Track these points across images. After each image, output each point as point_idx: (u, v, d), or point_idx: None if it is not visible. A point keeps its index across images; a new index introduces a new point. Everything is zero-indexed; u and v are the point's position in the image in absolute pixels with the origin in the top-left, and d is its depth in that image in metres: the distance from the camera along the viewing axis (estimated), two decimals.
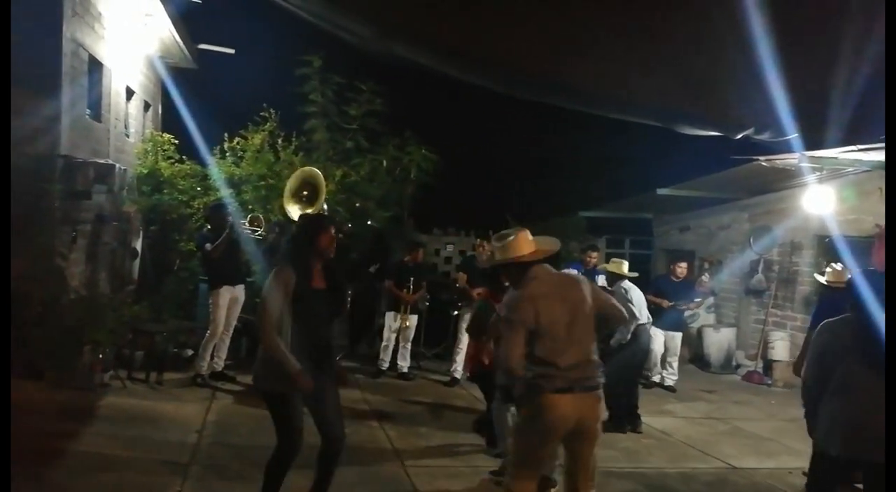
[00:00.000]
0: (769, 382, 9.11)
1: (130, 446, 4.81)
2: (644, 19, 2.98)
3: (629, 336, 6.32)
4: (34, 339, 5.87)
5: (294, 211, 6.79)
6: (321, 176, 6.93)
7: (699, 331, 10.24)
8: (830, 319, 3.70)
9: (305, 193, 6.74)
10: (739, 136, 4.08)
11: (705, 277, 10.38)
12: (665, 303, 8.37)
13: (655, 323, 8.50)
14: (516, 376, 3.42)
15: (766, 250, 9.75)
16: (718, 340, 9.95)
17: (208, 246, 6.66)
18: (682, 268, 8.66)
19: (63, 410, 5.38)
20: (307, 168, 7.20)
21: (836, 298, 4.86)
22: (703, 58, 3.30)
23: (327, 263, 3.76)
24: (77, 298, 6.59)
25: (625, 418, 6.30)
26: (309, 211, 7.14)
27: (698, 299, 8.81)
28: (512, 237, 3.58)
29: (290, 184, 6.78)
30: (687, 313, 10.34)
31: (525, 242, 3.58)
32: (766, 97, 3.38)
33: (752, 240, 9.89)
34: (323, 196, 6.75)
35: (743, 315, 10.33)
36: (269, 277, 3.63)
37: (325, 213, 6.85)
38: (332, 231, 3.76)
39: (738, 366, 9.88)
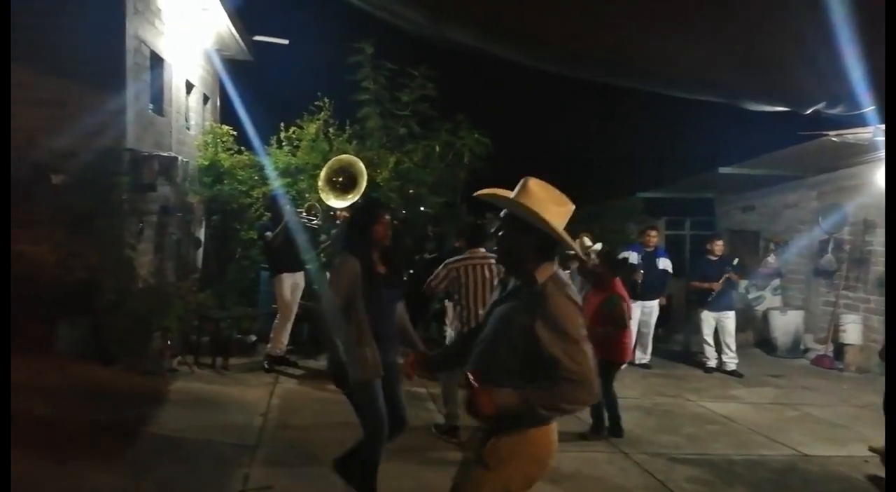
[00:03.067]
0: (840, 366, 8.77)
1: (200, 428, 4.99)
2: None
3: None
4: (106, 326, 6.14)
5: (331, 199, 6.87)
6: (356, 162, 6.93)
7: (765, 314, 9.92)
8: None
9: (340, 179, 6.80)
10: (809, 110, 3.89)
11: (771, 258, 10.07)
12: (715, 286, 8.17)
13: (704, 306, 8.32)
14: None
15: (836, 229, 9.34)
16: (785, 324, 9.63)
17: (268, 235, 6.82)
18: (718, 245, 8.44)
19: (136, 393, 5.61)
20: (340, 156, 7.26)
21: None
22: (770, 29, 3.16)
23: (384, 248, 3.80)
24: (146, 287, 6.85)
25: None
26: (349, 198, 7.22)
27: (728, 271, 8.43)
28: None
29: (323, 173, 6.86)
30: (751, 296, 10.06)
31: None
32: (839, 69, 3.21)
33: (821, 219, 9.49)
34: (363, 182, 6.76)
35: (812, 297, 9.95)
36: (334, 265, 3.67)
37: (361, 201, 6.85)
38: (387, 218, 3.80)
39: (807, 350, 9.54)
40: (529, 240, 2.39)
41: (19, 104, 6.41)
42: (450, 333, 7.68)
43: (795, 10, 2.96)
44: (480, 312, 4.85)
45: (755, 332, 10.05)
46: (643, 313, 8.23)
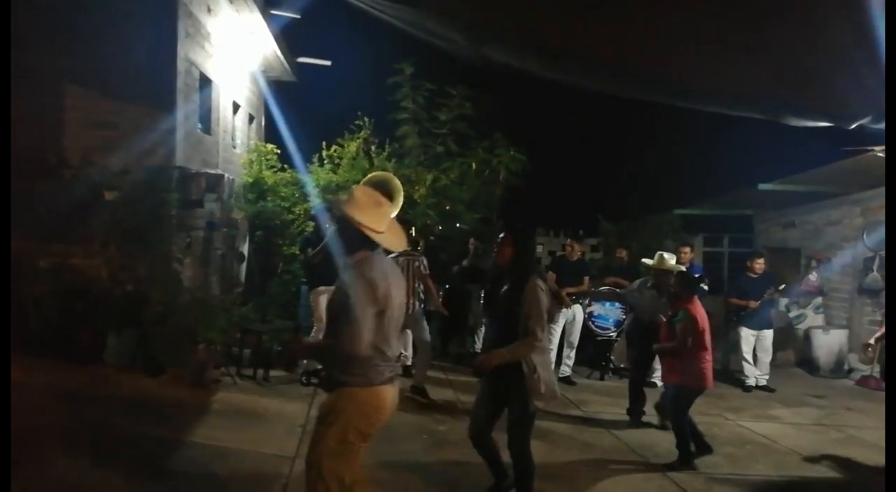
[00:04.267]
0: None
1: (241, 438, 5.02)
2: (751, 7, 2.80)
3: None
4: (153, 337, 6.26)
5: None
6: (391, 178, 6.97)
7: (806, 333, 9.61)
8: None
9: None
10: (853, 126, 3.77)
11: (812, 276, 9.77)
12: (752, 304, 7.99)
13: (743, 323, 8.11)
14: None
15: (881, 246, 9.03)
16: (828, 343, 9.31)
17: (310, 251, 6.88)
18: (759, 264, 8.27)
19: (180, 403, 5.68)
20: (374, 173, 7.30)
21: None
22: (812, 45, 3.08)
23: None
24: (191, 300, 6.97)
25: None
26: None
27: (770, 290, 8.20)
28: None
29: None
30: (792, 314, 9.78)
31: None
32: (883, 83, 3.11)
33: (865, 235, 9.19)
34: (399, 198, 6.79)
35: (856, 316, 9.61)
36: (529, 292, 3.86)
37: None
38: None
39: (851, 370, 9.20)
40: (351, 232, 3.02)
41: (75, 125, 6.65)
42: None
43: (839, 24, 2.88)
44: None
45: (796, 351, 9.74)
46: None
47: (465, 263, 8.66)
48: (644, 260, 6.88)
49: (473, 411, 4.11)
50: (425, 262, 6.78)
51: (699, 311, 5.29)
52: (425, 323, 6.85)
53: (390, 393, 3.02)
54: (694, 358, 5.17)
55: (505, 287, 3.95)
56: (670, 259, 6.51)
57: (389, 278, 2.98)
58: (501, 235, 4.08)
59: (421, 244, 7.72)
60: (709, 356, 5.26)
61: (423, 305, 6.81)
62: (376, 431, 3.07)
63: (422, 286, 6.77)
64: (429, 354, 6.87)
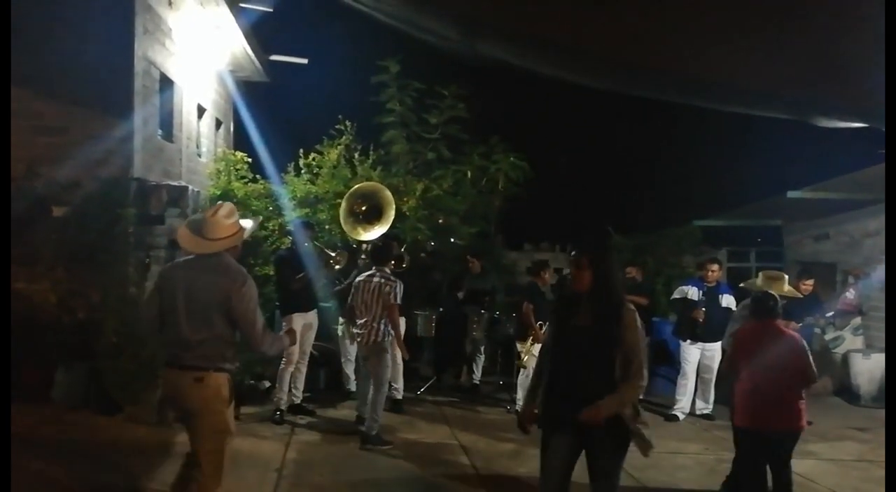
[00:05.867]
0: None
1: None
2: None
3: None
4: (107, 372, 6.21)
5: (358, 232, 6.87)
6: (381, 189, 6.97)
7: (844, 357, 9.62)
8: None
9: (364, 208, 6.84)
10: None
11: (850, 294, 9.79)
12: (793, 324, 8.00)
13: None
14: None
15: None
16: (869, 368, 9.31)
17: (299, 277, 6.82)
18: (808, 285, 8.33)
19: (138, 447, 5.62)
20: (362, 184, 7.31)
21: None
22: (844, 37, 3.11)
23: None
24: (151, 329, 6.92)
25: None
26: (374, 230, 7.23)
27: (829, 314, 8.30)
28: None
29: (343, 204, 6.89)
30: (828, 336, 9.79)
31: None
32: None
33: None
34: (390, 211, 6.79)
35: None
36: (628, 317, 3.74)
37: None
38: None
39: None
40: None
41: (20, 132, 6.60)
42: None
43: (873, 14, 2.91)
44: None
45: (834, 378, 9.73)
46: (704, 357, 8.05)
47: (462, 285, 8.67)
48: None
49: (547, 465, 3.75)
50: (399, 289, 6.34)
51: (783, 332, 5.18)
52: (388, 356, 6.41)
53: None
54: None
55: (581, 319, 3.70)
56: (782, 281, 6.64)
57: None
58: (574, 256, 3.79)
59: (406, 261, 7.69)
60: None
61: (388, 337, 6.35)
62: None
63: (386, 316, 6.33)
64: (383, 395, 6.40)
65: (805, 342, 5.06)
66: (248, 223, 4.12)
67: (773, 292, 5.47)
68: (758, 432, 4.87)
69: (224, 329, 3.87)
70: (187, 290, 3.82)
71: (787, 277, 6.97)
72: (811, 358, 4.93)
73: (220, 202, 4.22)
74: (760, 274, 6.82)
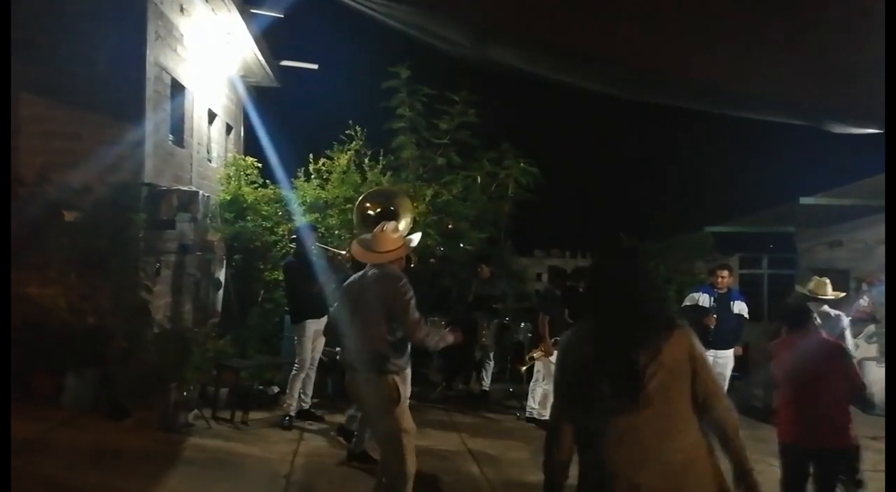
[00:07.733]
0: None
1: (217, 491, 4.97)
2: (786, 3, 2.81)
3: None
4: (117, 377, 6.22)
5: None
6: (399, 193, 6.92)
7: (858, 365, 9.53)
8: None
9: (371, 213, 6.80)
10: None
11: (864, 301, 9.71)
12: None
13: None
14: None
15: None
16: (883, 376, 9.21)
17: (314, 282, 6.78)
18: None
19: (147, 452, 5.63)
20: (376, 188, 7.26)
21: None
22: (854, 40, 3.09)
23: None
24: (161, 334, 6.94)
25: None
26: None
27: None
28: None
29: (355, 209, 6.86)
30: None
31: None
32: None
33: None
34: (406, 214, 6.74)
35: None
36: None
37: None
38: None
39: None
40: None
41: (31, 137, 6.66)
42: None
43: (882, 14, 2.89)
44: None
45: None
46: (716, 364, 7.97)
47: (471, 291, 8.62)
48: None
49: None
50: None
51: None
52: None
53: None
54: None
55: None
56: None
57: None
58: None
59: (413, 263, 7.65)
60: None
61: None
62: None
63: None
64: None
65: (847, 346, 4.93)
66: (415, 237, 4.81)
67: (807, 305, 5.40)
68: (797, 447, 4.71)
69: (388, 332, 4.27)
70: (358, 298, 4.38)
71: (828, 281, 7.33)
72: (854, 361, 4.76)
73: (384, 222, 4.67)
74: (814, 279, 7.13)
